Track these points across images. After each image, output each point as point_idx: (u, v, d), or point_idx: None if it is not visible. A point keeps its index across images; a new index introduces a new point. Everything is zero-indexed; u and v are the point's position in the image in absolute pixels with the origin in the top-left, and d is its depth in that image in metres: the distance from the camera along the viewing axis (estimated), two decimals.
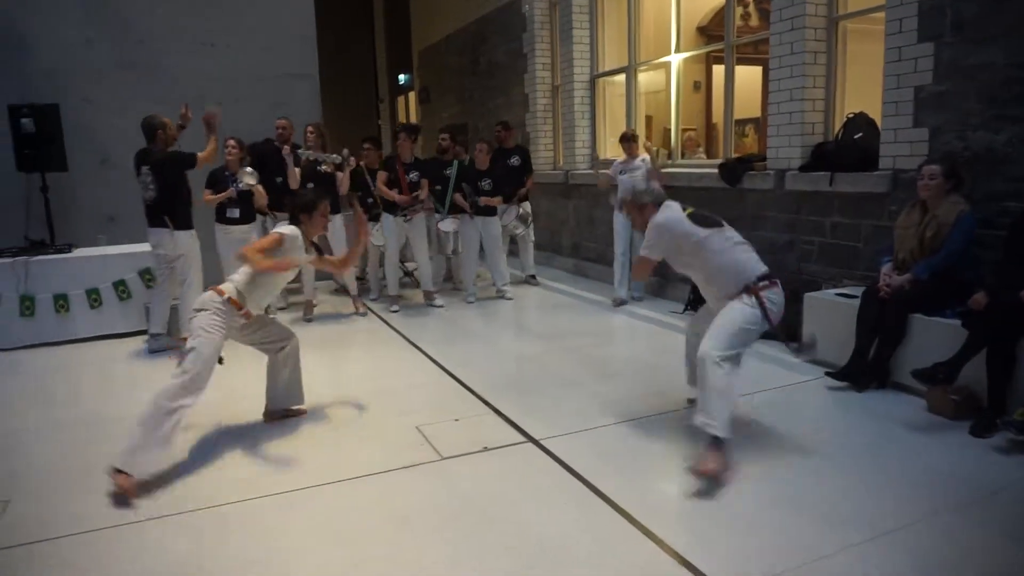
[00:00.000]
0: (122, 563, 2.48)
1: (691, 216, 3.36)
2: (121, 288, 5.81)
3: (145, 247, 5.59)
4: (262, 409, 3.84)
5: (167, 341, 5.33)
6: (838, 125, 5.04)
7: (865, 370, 3.99)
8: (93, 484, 3.09)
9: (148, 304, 5.56)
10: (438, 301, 6.66)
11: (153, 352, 5.30)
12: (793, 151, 5.24)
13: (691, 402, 3.72)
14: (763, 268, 3.30)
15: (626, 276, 6.52)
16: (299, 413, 3.89)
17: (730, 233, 3.38)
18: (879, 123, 4.65)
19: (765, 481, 3.02)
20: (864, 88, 5.09)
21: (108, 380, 4.84)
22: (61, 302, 5.63)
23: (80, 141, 6.94)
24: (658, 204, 3.44)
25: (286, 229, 3.56)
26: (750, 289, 3.20)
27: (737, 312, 3.18)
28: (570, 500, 2.88)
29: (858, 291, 4.29)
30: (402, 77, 14.70)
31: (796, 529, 2.59)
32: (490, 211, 6.82)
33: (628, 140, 6.46)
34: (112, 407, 4.17)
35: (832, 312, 4.40)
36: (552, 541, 2.56)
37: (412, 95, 14.25)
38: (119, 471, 2.96)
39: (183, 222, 5.17)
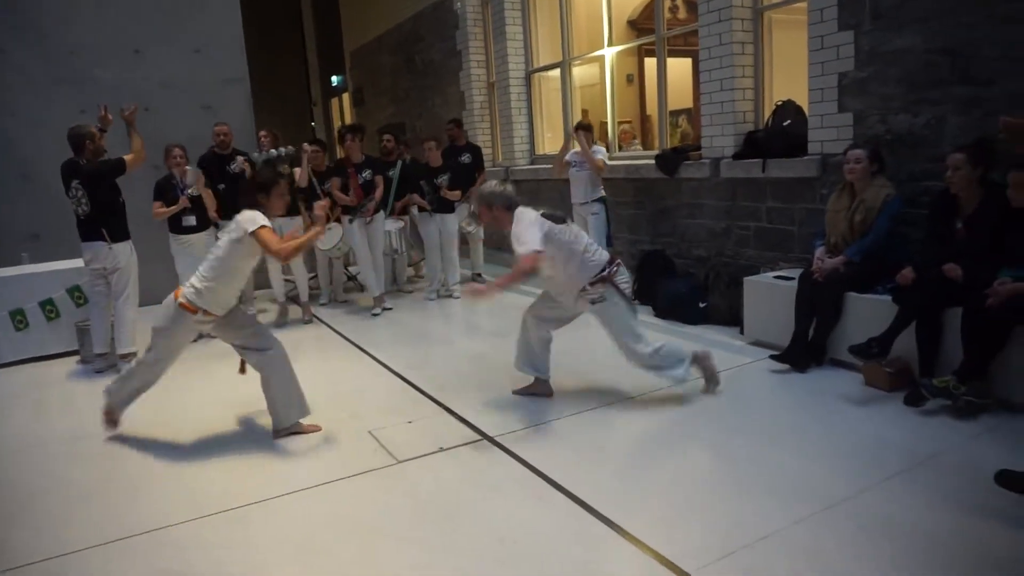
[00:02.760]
0: None
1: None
2: (49, 308, 5.53)
3: (73, 263, 5.34)
4: (204, 426, 3.73)
5: (113, 359, 5.08)
6: (768, 113, 5.20)
7: (805, 351, 4.12)
8: (35, 514, 2.95)
9: (82, 324, 5.31)
10: (387, 304, 6.58)
11: (99, 372, 5.06)
12: (726, 140, 5.37)
13: (516, 393, 4.02)
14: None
15: None
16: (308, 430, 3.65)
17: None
18: (806, 110, 4.82)
19: (716, 463, 3.11)
20: (791, 76, 5.27)
21: (42, 405, 4.61)
22: None
23: None
24: (510, 208, 3.67)
25: (257, 219, 3.33)
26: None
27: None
28: (528, 494, 2.89)
29: (795, 273, 4.44)
30: (335, 79, 14.45)
31: (749, 507, 2.67)
32: (449, 207, 6.77)
33: (584, 131, 5.97)
34: (50, 430, 3.99)
35: (771, 295, 4.53)
36: (514, 536, 2.57)
37: (346, 97, 14.03)
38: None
39: (120, 234, 4.95)
